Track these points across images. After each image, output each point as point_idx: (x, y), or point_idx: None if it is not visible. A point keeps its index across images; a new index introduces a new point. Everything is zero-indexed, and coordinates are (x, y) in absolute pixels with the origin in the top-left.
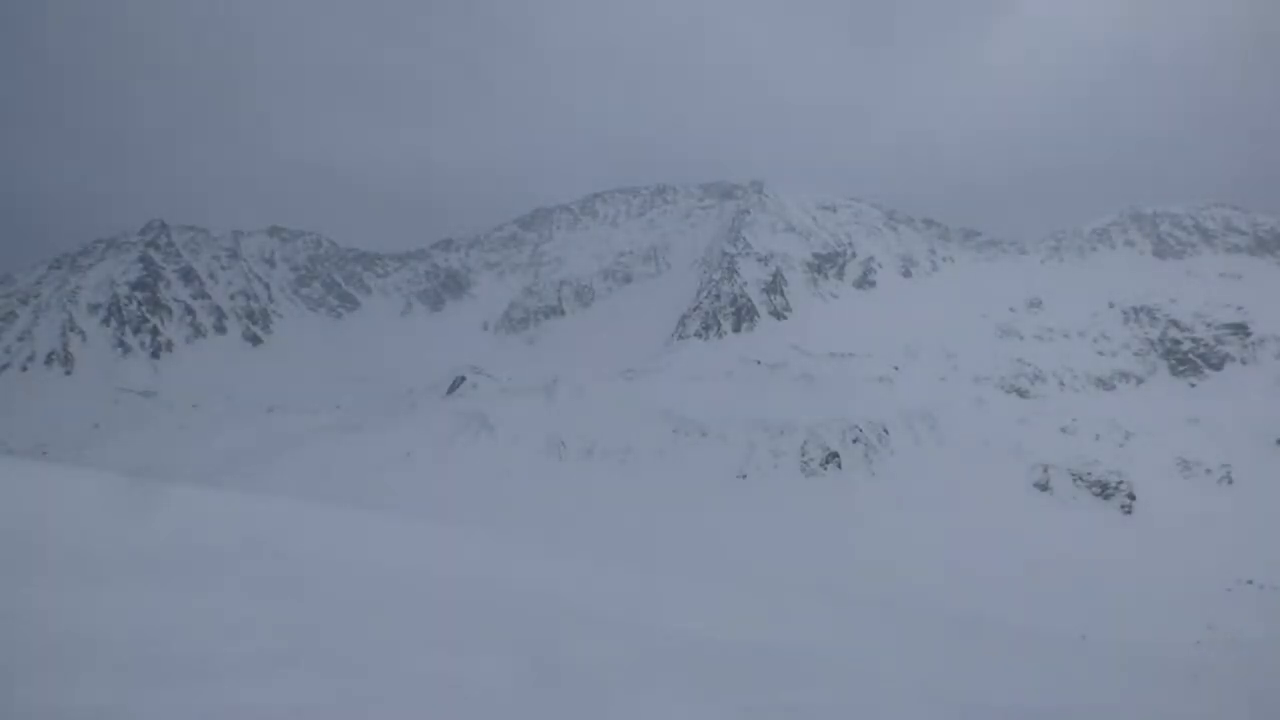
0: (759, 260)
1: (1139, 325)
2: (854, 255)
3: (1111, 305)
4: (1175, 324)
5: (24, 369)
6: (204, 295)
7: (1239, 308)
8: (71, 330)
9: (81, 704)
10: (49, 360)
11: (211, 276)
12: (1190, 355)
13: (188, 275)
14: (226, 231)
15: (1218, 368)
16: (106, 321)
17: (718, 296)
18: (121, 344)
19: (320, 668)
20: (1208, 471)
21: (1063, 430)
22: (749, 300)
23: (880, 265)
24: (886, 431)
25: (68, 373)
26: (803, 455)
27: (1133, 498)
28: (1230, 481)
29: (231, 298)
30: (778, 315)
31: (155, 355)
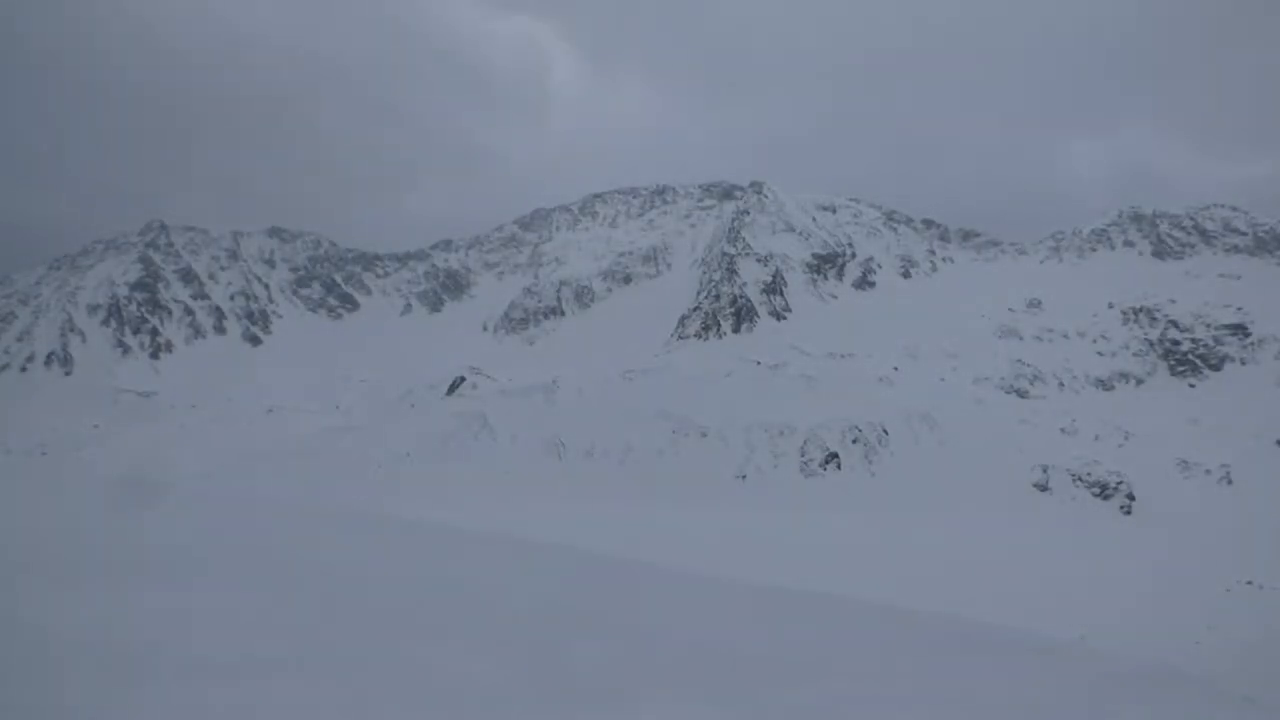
0: (759, 261)
1: (1138, 326)
2: (853, 256)
3: (1111, 306)
4: (1175, 324)
5: (24, 369)
6: (203, 296)
7: (1238, 308)
8: (71, 331)
9: (79, 704)
10: (49, 361)
11: (211, 277)
12: (1190, 356)
13: (187, 276)
14: (226, 232)
15: (1217, 368)
16: (106, 322)
17: (717, 297)
18: (121, 344)
19: (320, 668)
20: (1207, 472)
21: (1062, 431)
22: (749, 301)
23: (880, 266)
24: (886, 432)
25: (67, 373)
26: (802, 456)
27: (1132, 498)
28: (1230, 482)
29: (231, 298)
30: (777, 316)
31: (155, 355)
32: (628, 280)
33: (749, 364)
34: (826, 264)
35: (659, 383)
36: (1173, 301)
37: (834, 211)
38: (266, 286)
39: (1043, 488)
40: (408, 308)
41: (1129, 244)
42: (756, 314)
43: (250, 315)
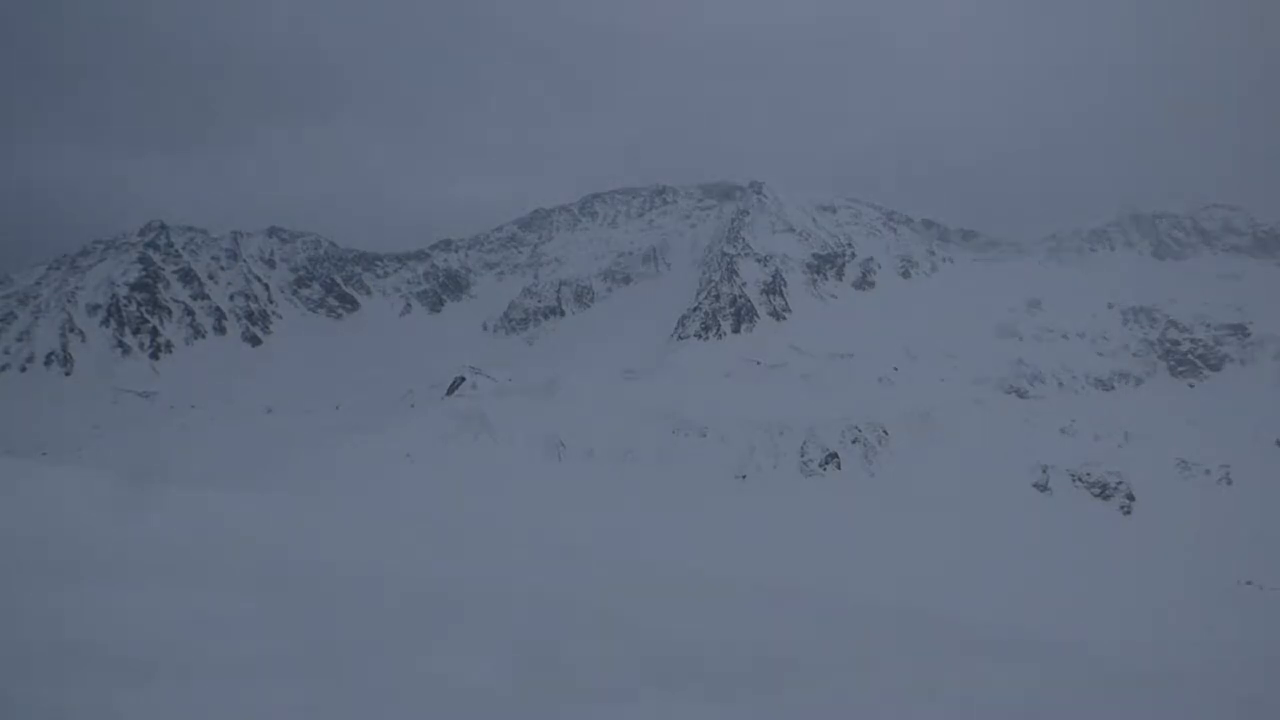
0: (758, 261)
1: (1138, 326)
2: (853, 256)
3: (1110, 306)
4: (1174, 325)
5: (23, 370)
6: (203, 296)
7: (1238, 308)
8: (71, 331)
9: (80, 704)
10: (48, 361)
11: (211, 277)
12: (1189, 356)
13: (187, 276)
14: (226, 232)
15: (1217, 368)
16: (106, 322)
17: (717, 297)
18: (121, 345)
19: (320, 668)
20: (1207, 472)
21: (1062, 431)
22: (748, 301)
23: (879, 266)
24: (886, 432)
25: (67, 373)
26: (802, 456)
27: (1132, 498)
28: (1230, 482)
29: (231, 298)
30: (777, 316)
31: (154, 356)
32: (628, 280)
33: (749, 364)
34: (826, 264)
35: (659, 383)
36: (1173, 301)
37: (834, 211)
38: (266, 287)
39: (1043, 488)
40: (408, 308)
41: (1129, 244)
42: (756, 314)
43: (250, 315)
